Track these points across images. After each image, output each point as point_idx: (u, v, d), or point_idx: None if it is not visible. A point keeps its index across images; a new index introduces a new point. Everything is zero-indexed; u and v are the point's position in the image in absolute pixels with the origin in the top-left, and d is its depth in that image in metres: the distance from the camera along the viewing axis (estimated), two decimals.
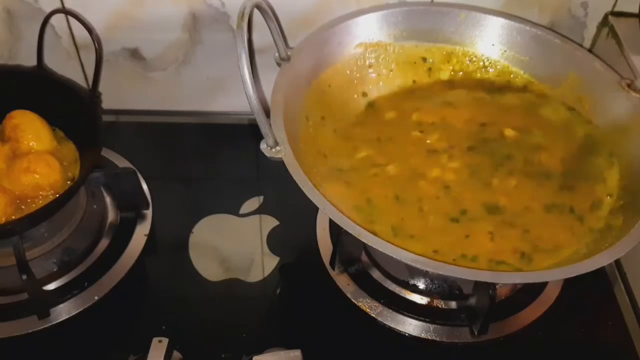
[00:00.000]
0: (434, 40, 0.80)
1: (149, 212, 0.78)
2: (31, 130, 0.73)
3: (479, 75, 0.81)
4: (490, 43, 0.80)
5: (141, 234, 0.76)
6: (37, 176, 0.69)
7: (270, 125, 0.62)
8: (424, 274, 0.72)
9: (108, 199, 0.78)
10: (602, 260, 0.57)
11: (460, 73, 0.81)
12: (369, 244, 0.57)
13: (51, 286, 0.70)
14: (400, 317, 0.69)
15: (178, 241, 0.76)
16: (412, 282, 0.72)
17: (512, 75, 0.80)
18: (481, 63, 0.80)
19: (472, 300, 0.68)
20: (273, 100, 0.67)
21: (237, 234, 0.78)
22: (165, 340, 0.61)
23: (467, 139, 0.74)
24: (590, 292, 0.73)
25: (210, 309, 0.71)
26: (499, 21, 0.79)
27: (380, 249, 0.57)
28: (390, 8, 0.78)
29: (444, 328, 0.69)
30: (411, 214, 0.67)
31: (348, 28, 0.77)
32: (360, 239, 0.58)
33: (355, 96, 0.78)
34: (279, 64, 0.71)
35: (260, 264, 0.75)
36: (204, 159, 0.87)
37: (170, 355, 0.61)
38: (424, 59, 0.80)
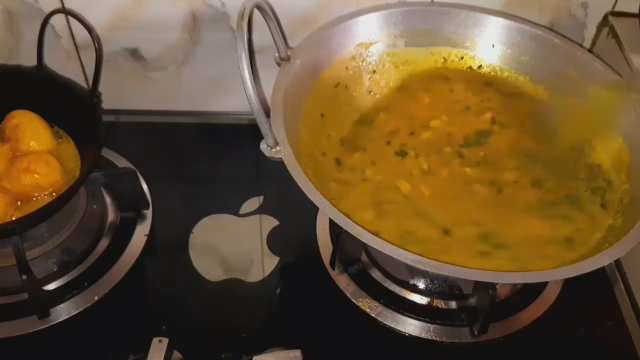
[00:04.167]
0: (434, 39, 0.80)
1: (149, 212, 0.78)
2: (31, 130, 0.73)
3: (478, 72, 0.81)
4: (490, 43, 0.80)
5: (141, 234, 0.76)
6: (37, 176, 0.69)
7: (270, 125, 0.62)
8: (424, 274, 0.72)
9: (108, 199, 0.78)
10: (602, 260, 0.57)
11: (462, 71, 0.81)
12: (369, 244, 0.57)
13: (51, 286, 0.70)
14: (400, 317, 0.69)
15: (178, 241, 0.76)
16: (412, 282, 0.72)
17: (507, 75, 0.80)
18: (482, 62, 0.81)
19: (472, 300, 0.68)
20: (273, 100, 0.67)
21: (237, 234, 0.78)
22: (165, 340, 0.61)
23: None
24: (590, 292, 0.73)
25: (210, 309, 0.71)
26: (499, 21, 0.79)
27: (380, 249, 0.57)
28: (390, 8, 0.78)
29: (444, 328, 0.69)
30: None
31: (348, 28, 0.77)
32: (360, 239, 0.58)
33: (355, 96, 0.78)
34: (279, 64, 0.71)
35: (260, 264, 0.75)
36: (204, 159, 0.87)
37: (170, 355, 0.61)
38: (424, 59, 0.81)
